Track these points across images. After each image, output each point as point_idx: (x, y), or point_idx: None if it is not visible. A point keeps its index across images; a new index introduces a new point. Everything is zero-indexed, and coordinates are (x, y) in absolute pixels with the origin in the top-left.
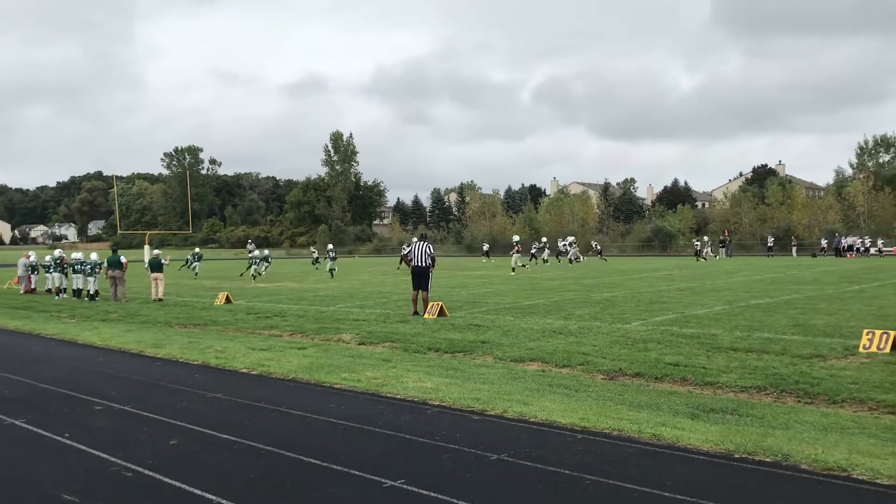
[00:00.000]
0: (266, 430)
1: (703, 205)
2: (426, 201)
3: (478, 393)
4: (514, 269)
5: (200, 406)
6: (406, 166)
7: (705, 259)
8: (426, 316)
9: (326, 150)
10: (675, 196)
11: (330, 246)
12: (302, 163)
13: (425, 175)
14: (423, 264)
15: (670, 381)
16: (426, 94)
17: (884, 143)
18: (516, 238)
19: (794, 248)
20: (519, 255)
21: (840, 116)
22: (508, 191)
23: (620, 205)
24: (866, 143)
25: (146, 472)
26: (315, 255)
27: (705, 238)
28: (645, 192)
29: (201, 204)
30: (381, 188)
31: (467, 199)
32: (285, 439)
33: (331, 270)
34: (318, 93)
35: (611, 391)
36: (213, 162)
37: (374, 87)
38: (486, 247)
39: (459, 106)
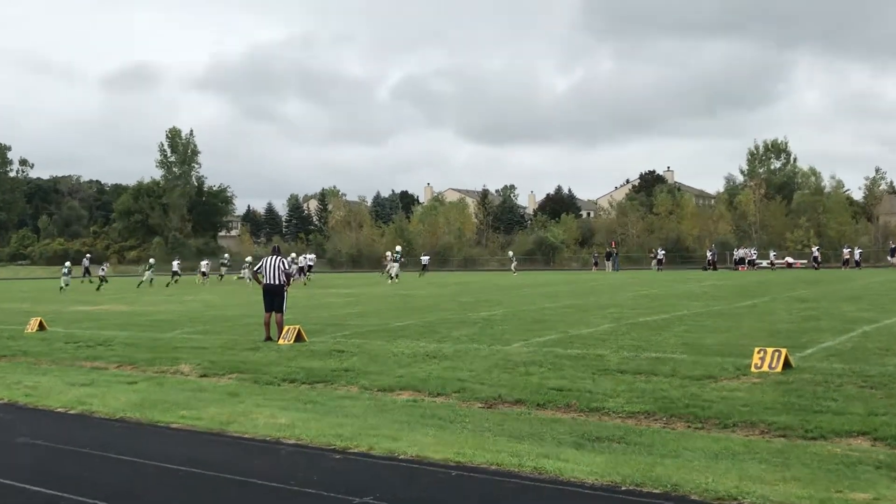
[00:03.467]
0: (88, 480)
1: (589, 214)
2: (282, 209)
3: (340, 428)
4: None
5: (4, 454)
6: (256, 170)
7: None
8: (280, 341)
9: (162, 150)
10: (559, 204)
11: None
12: (132, 165)
13: (279, 180)
14: (277, 282)
15: (553, 408)
16: (272, 89)
17: (774, 149)
18: (398, 248)
19: (653, 262)
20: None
21: (725, 120)
22: (377, 198)
23: (500, 214)
24: (756, 148)
25: None
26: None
27: (397, 251)
28: (526, 199)
29: (9, 213)
30: (228, 194)
31: (330, 206)
32: (112, 490)
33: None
34: (147, 85)
35: (489, 421)
36: (23, 163)
37: (210, 80)
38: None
39: (311, 103)
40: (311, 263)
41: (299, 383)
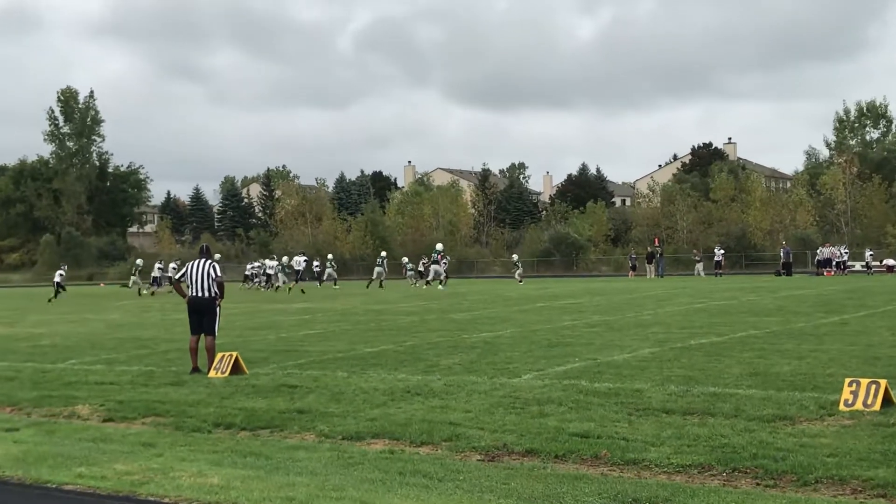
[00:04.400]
0: None
1: (624, 202)
2: (213, 197)
3: (292, 490)
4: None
5: None
6: (179, 145)
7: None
8: (212, 374)
9: (52, 118)
10: (584, 189)
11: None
12: (11, 138)
13: (210, 158)
14: (207, 294)
15: (577, 461)
16: (197, 38)
17: (871, 113)
18: (439, 247)
19: (697, 265)
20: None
21: (802, 76)
22: (341, 181)
23: (506, 202)
24: (847, 112)
25: None
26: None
27: (439, 249)
28: (540, 182)
29: None
30: (141, 177)
31: (278, 193)
32: None
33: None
34: (28, 31)
35: (491, 478)
36: None
37: (114, 26)
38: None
39: (250, 56)
40: (299, 268)
41: (237, 430)
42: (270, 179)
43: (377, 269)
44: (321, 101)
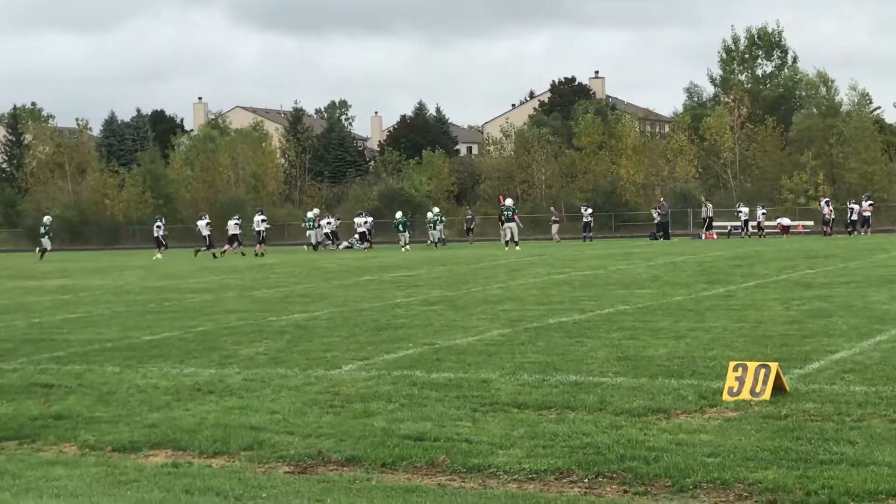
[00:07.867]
0: None
1: (471, 150)
2: None
3: None
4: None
5: None
6: None
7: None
8: None
9: None
10: (422, 134)
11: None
12: None
13: None
14: None
15: (409, 469)
16: None
17: (763, 42)
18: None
19: (554, 226)
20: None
21: None
22: (111, 123)
23: (324, 149)
24: (735, 41)
25: None
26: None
27: (508, 205)
28: (367, 126)
29: None
30: None
31: (27, 138)
32: None
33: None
34: None
35: (302, 494)
36: None
37: None
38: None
39: None
40: (368, 227)
41: None
42: (17, 121)
43: (433, 232)
44: (74, 22)
